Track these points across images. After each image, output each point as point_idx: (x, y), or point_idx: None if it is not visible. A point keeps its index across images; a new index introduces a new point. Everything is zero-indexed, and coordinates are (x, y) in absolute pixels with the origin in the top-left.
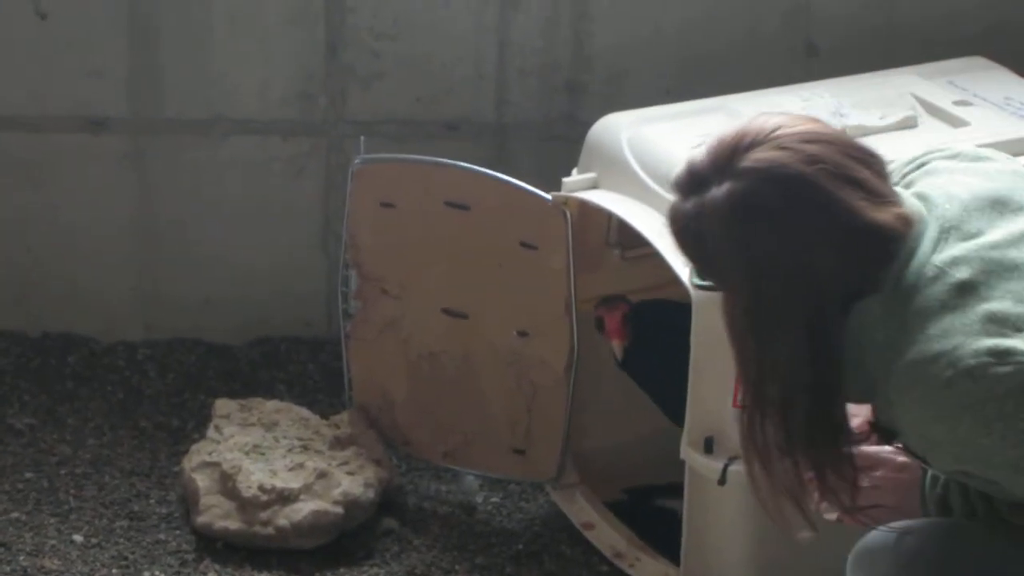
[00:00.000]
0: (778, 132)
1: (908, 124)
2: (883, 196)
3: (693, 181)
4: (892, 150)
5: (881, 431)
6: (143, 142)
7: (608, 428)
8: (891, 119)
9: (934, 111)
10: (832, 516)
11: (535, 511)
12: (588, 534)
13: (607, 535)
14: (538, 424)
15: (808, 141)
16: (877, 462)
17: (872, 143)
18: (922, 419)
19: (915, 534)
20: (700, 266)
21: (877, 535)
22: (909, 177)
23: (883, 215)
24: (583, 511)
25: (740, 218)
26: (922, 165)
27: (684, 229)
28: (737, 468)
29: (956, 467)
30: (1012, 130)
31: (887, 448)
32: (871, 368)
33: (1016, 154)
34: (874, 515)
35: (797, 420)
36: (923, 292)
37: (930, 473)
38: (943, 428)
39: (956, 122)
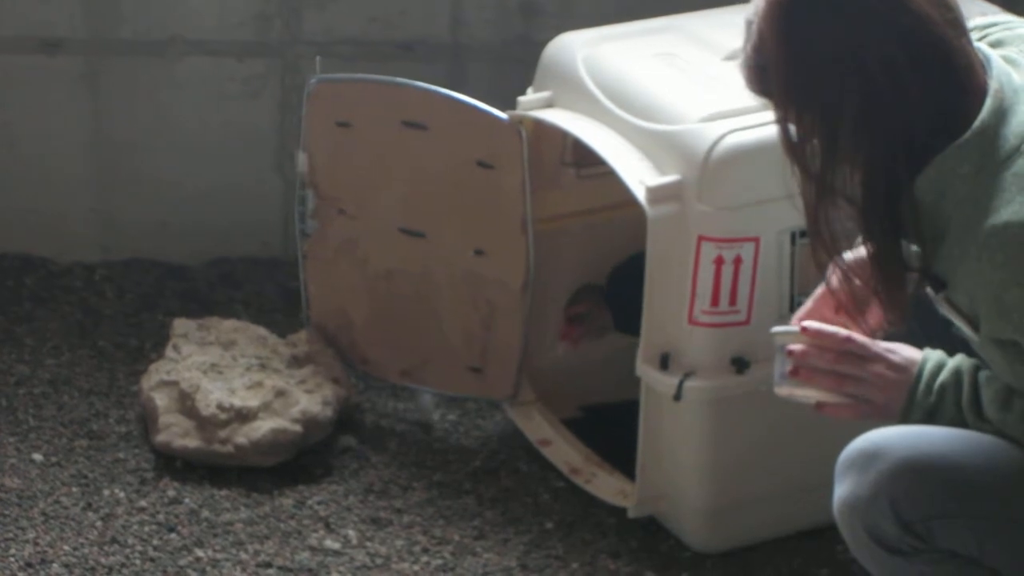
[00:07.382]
0: None
1: None
2: (966, 32)
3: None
4: None
5: (932, 278)
6: (98, 63)
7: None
8: None
9: None
10: (810, 397)
11: (492, 428)
12: (544, 451)
13: (563, 452)
14: (495, 342)
15: None
16: (874, 356)
17: None
18: (1002, 282)
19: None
20: (766, 93)
21: (868, 440)
22: (987, 39)
23: (967, 46)
24: (539, 428)
25: (786, 9)
26: (989, 34)
27: (747, 62)
28: (692, 384)
29: (1010, 336)
30: None
31: (888, 345)
32: (947, 217)
33: None
34: (855, 410)
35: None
36: None
37: (923, 381)
38: (1021, 294)
39: None
